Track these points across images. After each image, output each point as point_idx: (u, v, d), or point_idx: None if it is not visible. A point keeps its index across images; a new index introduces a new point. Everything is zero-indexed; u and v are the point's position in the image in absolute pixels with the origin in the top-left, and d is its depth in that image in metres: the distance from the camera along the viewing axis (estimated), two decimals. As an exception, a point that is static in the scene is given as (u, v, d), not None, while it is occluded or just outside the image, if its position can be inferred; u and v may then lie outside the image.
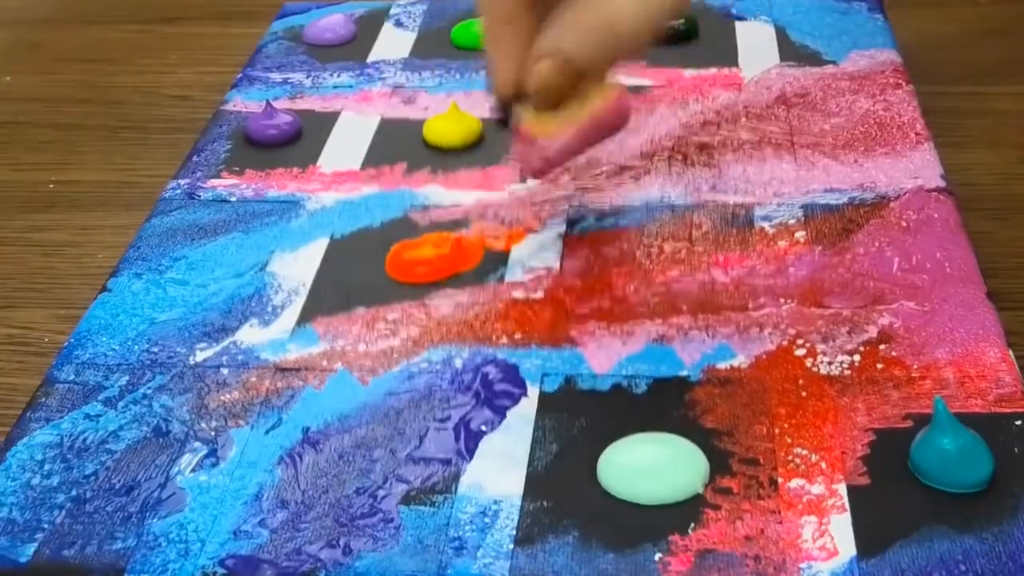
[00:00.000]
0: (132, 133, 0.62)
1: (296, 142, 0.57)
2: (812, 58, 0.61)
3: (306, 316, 0.46)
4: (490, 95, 0.45)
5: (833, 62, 0.60)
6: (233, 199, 0.53)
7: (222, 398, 0.42)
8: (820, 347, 0.43)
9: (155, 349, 0.45)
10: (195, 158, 0.56)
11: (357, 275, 0.48)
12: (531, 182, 0.52)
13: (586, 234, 0.50)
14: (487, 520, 0.37)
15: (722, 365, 0.42)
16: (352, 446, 0.40)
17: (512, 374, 0.43)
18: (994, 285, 0.45)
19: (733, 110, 0.57)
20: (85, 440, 0.41)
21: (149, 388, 0.43)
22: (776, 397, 0.41)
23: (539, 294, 0.46)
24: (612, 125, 0.45)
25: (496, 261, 0.48)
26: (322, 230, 0.51)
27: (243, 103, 0.60)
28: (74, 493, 0.39)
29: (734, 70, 0.61)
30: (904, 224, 0.48)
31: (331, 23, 0.66)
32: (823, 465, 0.38)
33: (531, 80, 0.42)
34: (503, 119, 0.45)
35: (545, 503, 0.38)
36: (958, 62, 0.64)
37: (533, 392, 0.42)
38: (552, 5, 0.42)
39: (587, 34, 0.41)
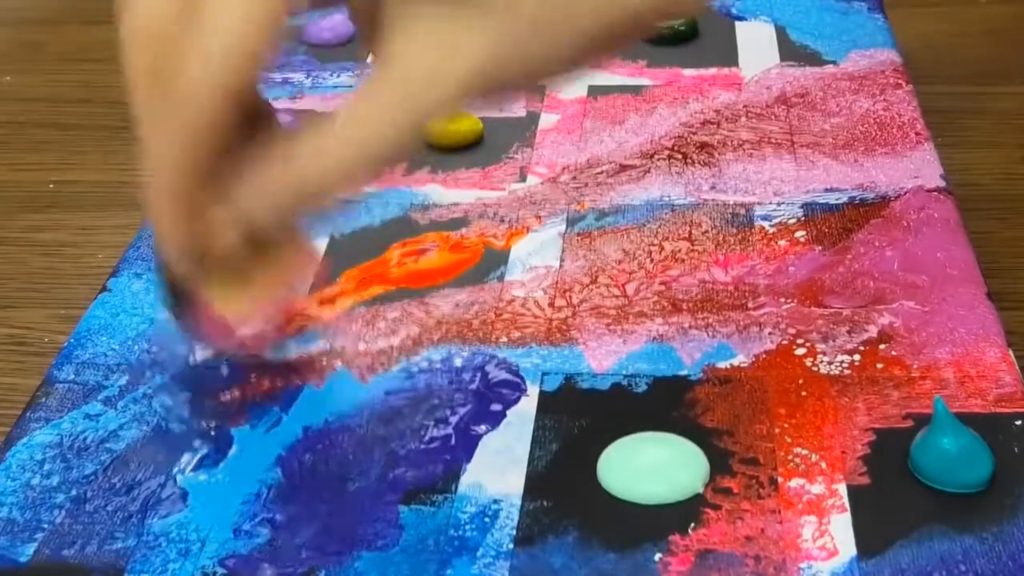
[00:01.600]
0: (132, 133, 0.62)
1: (296, 142, 0.57)
2: (812, 58, 0.61)
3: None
4: (158, 275, 0.38)
5: (833, 62, 0.60)
6: (233, 199, 0.53)
7: (222, 398, 0.42)
8: (820, 347, 0.43)
9: (155, 349, 0.45)
10: (195, 158, 0.56)
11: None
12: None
13: (586, 234, 0.50)
14: (487, 520, 0.37)
15: (722, 364, 0.42)
16: (351, 445, 0.40)
17: (512, 373, 0.43)
18: (994, 285, 0.45)
19: (733, 110, 0.57)
20: (85, 440, 0.41)
21: (149, 388, 0.43)
22: (776, 397, 0.41)
23: (539, 293, 0.46)
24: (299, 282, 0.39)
25: (496, 260, 0.48)
26: (322, 230, 0.51)
27: (243, 103, 0.60)
28: (74, 493, 0.39)
29: (734, 70, 0.61)
30: (904, 224, 0.48)
31: (331, 23, 0.66)
32: (823, 465, 0.38)
33: (209, 251, 0.34)
34: (174, 302, 0.38)
35: (545, 503, 0.38)
36: (958, 62, 0.64)
37: (533, 391, 0.42)
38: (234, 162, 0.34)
39: (271, 195, 0.33)
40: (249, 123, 0.35)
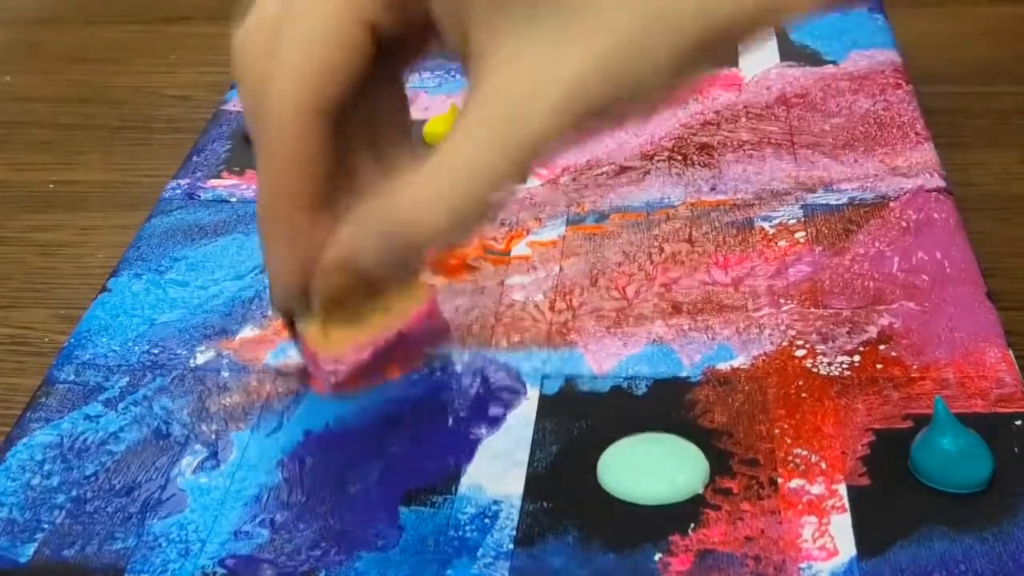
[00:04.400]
0: (132, 133, 0.62)
1: (296, 142, 0.57)
2: (812, 58, 0.61)
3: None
4: (270, 303, 0.38)
5: (833, 62, 0.60)
6: (233, 199, 0.53)
7: (223, 401, 0.42)
8: (820, 348, 0.43)
9: (155, 351, 0.45)
10: (195, 158, 0.56)
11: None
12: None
13: (586, 234, 0.50)
14: (487, 520, 0.37)
15: (722, 366, 0.42)
16: (352, 448, 0.40)
17: (512, 376, 0.43)
18: (994, 285, 0.45)
19: (733, 110, 0.57)
20: (85, 440, 0.41)
21: (149, 390, 0.43)
22: (776, 398, 0.41)
23: (539, 296, 0.46)
24: (420, 336, 0.38)
25: (496, 263, 0.48)
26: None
27: (243, 103, 0.60)
28: (74, 493, 0.39)
29: (734, 70, 0.60)
30: (904, 224, 0.48)
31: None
32: (823, 465, 0.38)
33: (314, 290, 0.34)
34: (293, 335, 0.37)
35: (545, 504, 0.38)
36: (958, 62, 0.64)
37: (533, 394, 0.42)
38: (344, 198, 0.34)
39: (374, 241, 0.32)
40: (367, 149, 0.34)
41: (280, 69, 0.32)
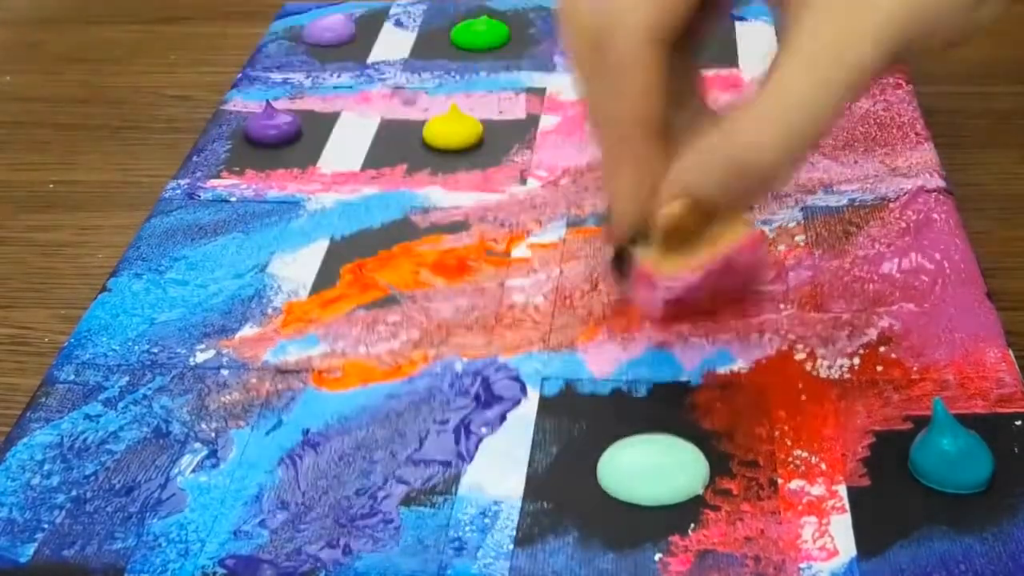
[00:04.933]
0: (132, 133, 0.62)
1: (296, 142, 0.57)
2: (812, 59, 0.61)
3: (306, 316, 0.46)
4: (605, 237, 0.41)
5: (833, 63, 0.60)
6: (233, 199, 0.53)
7: (222, 399, 0.42)
8: (820, 351, 0.43)
9: (155, 350, 0.45)
10: (195, 158, 0.56)
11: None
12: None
13: (586, 235, 0.50)
14: (487, 521, 0.37)
15: (722, 370, 0.42)
16: (352, 447, 0.40)
17: (512, 378, 0.43)
18: (994, 285, 0.45)
19: (733, 111, 0.57)
20: (85, 440, 0.41)
21: (149, 389, 0.43)
22: (776, 401, 0.41)
23: (539, 297, 0.46)
24: (744, 270, 0.40)
25: (496, 263, 0.48)
26: (322, 231, 0.51)
27: (243, 103, 0.60)
28: (74, 493, 0.39)
29: (734, 70, 0.61)
30: (904, 224, 0.48)
31: (331, 23, 0.66)
32: (823, 466, 0.38)
33: (657, 221, 0.37)
34: (619, 264, 0.40)
35: (545, 504, 0.38)
36: (958, 62, 0.64)
37: (533, 396, 0.42)
38: (680, 129, 0.37)
39: (717, 172, 0.35)
40: (680, 91, 0.37)
41: (623, 3, 0.35)
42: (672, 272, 0.39)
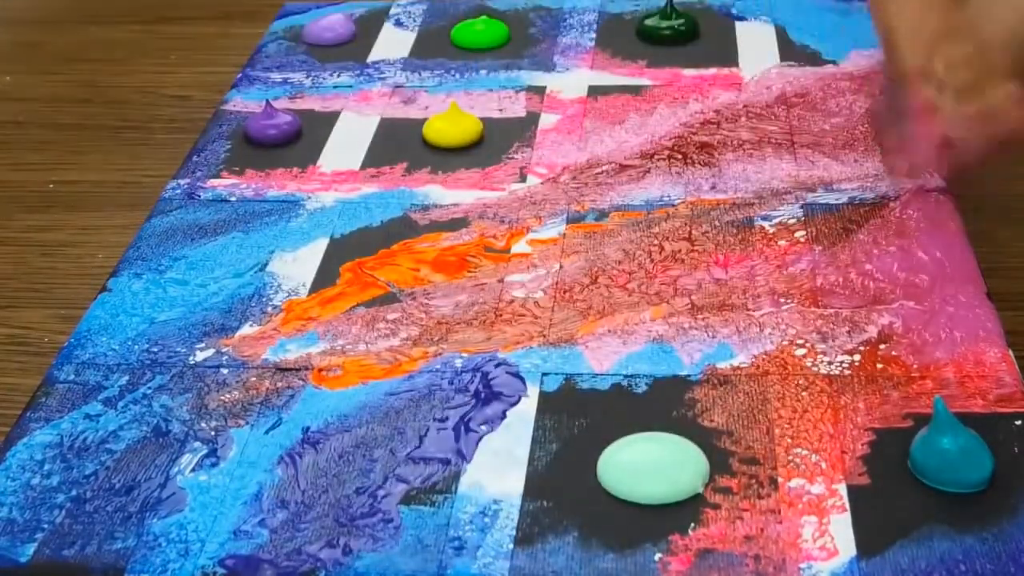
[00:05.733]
0: (132, 133, 0.62)
1: (296, 142, 0.57)
2: (812, 58, 0.61)
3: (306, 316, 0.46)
4: (884, 66, 0.42)
5: (833, 62, 0.60)
6: (233, 199, 0.53)
7: (222, 398, 0.42)
8: (820, 347, 0.43)
9: (155, 349, 0.45)
10: (195, 158, 0.56)
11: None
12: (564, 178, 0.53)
13: (586, 232, 0.50)
14: (487, 520, 0.37)
15: (722, 365, 0.42)
16: (352, 446, 0.40)
17: (512, 374, 0.43)
18: (994, 285, 0.45)
19: (733, 110, 0.57)
20: (85, 440, 0.41)
21: (149, 388, 0.43)
22: (776, 397, 0.41)
23: (539, 294, 0.46)
24: (1017, 128, 0.42)
25: (496, 261, 0.48)
26: (322, 230, 0.51)
27: (243, 103, 0.60)
28: (74, 493, 0.39)
29: (734, 70, 0.61)
30: (904, 224, 0.48)
31: (331, 23, 0.66)
32: (823, 465, 0.38)
33: (943, 64, 0.39)
34: (893, 102, 0.42)
35: (545, 503, 0.38)
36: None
37: (533, 392, 0.42)
38: None
39: (1010, 21, 0.38)
40: None
41: None
42: (958, 123, 0.40)
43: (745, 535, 0.36)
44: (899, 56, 0.40)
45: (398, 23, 0.68)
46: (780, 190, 0.51)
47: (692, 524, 0.37)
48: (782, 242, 0.48)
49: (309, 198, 0.53)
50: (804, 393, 0.41)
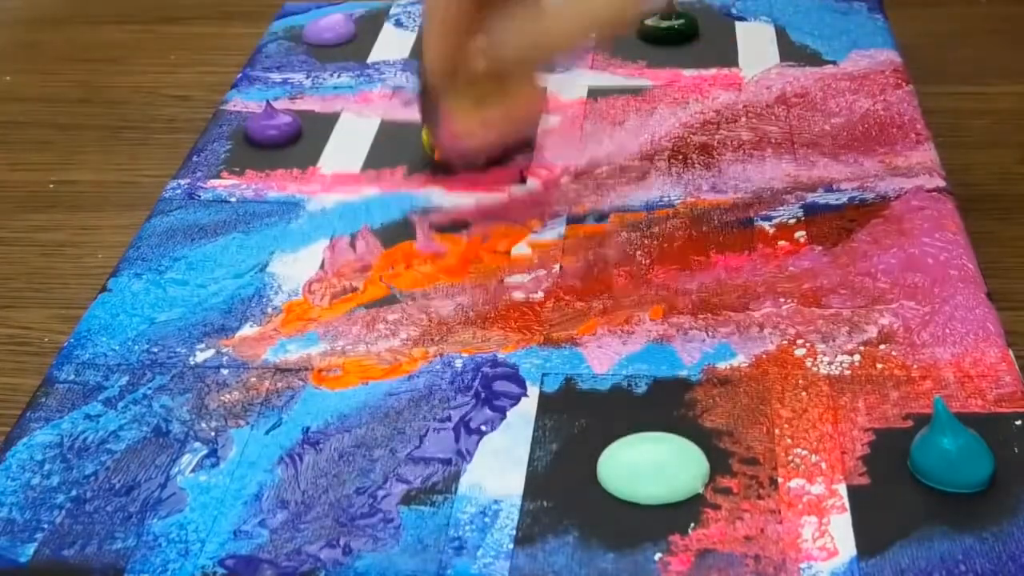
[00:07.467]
0: (132, 133, 0.62)
1: (296, 143, 0.57)
2: (812, 58, 0.61)
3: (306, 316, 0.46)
4: (416, 74, 0.48)
5: (833, 62, 0.60)
6: (233, 199, 0.53)
7: (222, 398, 0.42)
8: (820, 347, 0.43)
9: (155, 349, 0.45)
10: (195, 158, 0.56)
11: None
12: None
13: (586, 234, 0.50)
14: (487, 520, 0.37)
15: (722, 365, 0.42)
16: (352, 446, 0.40)
17: (512, 374, 0.43)
18: (994, 285, 0.45)
19: (733, 110, 0.57)
20: (85, 440, 0.41)
21: (149, 388, 0.43)
22: (776, 397, 0.41)
23: (539, 294, 0.46)
24: (524, 123, 0.51)
25: (496, 262, 0.48)
26: (322, 231, 0.51)
27: (243, 103, 0.60)
28: (74, 493, 0.39)
29: (734, 70, 0.61)
30: (904, 224, 0.48)
31: (331, 23, 0.66)
32: (823, 465, 0.38)
33: (461, 73, 0.46)
34: (426, 103, 0.49)
35: (545, 503, 0.38)
36: (958, 62, 0.64)
37: (533, 392, 0.42)
38: (496, 9, 0.46)
39: (520, 46, 0.46)
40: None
41: None
42: (471, 124, 0.48)
43: (745, 535, 0.36)
44: (430, 59, 0.47)
45: (398, 23, 0.68)
46: (780, 190, 0.51)
47: (692, 524, 0.37)
48: (782, 242, 0.48)
49: (309, 199, 0.53)
50: (804, 393, 0.41)
